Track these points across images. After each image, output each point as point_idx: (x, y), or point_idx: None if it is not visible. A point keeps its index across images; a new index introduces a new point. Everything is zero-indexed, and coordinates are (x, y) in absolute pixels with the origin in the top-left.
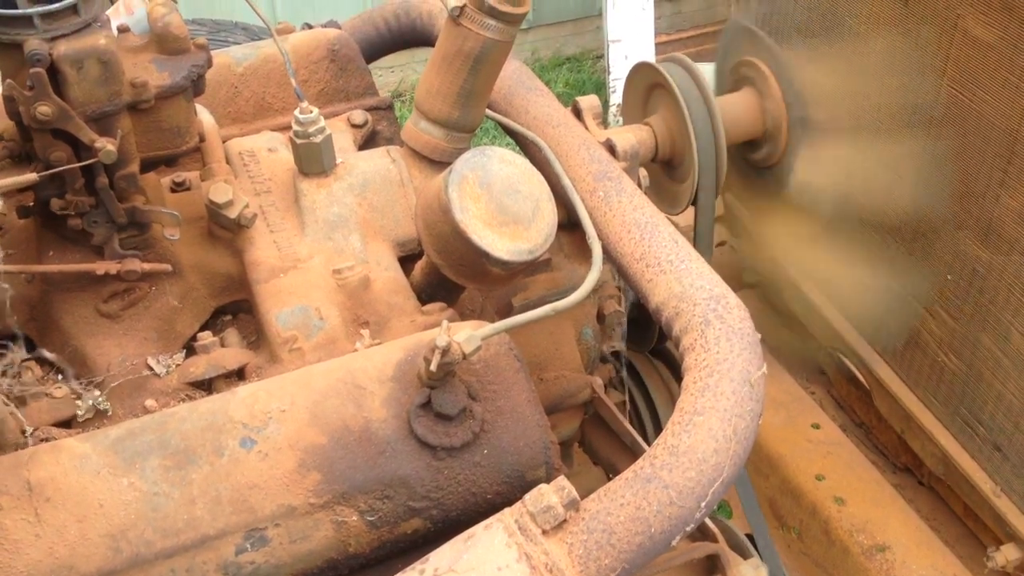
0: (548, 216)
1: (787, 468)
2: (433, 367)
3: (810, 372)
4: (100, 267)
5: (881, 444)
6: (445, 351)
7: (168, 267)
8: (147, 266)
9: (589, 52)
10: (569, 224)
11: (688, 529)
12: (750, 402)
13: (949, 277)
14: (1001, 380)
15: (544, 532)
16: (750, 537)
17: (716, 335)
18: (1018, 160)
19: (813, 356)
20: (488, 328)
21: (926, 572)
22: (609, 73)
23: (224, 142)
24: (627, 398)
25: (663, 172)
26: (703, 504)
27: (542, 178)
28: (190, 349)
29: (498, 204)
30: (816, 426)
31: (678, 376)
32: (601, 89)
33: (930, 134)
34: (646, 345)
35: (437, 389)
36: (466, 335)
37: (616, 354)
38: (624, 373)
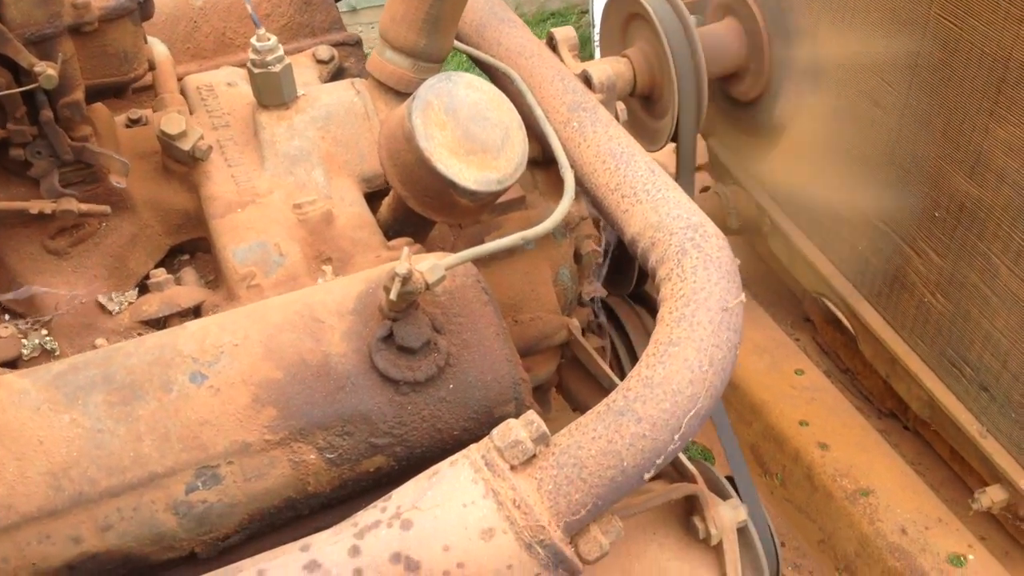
0: (518, 145)
1: (770, 414)
2: (393, 296)
3: (795, 319)
4: (34, 206)
5: (866, 390)
6: (406, 279)
7: (107, 208)
8: (84, 207)
9: (574, 7)
10: (544, 160)
11: (661, 462)
12: (727, 332)
13: (936, 214)
14: (989, 318)
15: (512, 467)
16: (730, 479)
17: (693, 264)
18: (1008, 89)
19: (798, 302)
20: (453, 257)
21: (911, 516)
22: (593, 27)
23: (182, 78)
24: (607, 343)
25: (642, 108)
26: (677, 437)
27: (512, 105)
28: (143, 288)
29: (465, 131)
30: (800, 372)
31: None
32: (586, 44)
33: (917, 64)
34: (625, 288)
35: (399, 321)
36: (430, 264)
37: (595, 299)
38: (603, 318)
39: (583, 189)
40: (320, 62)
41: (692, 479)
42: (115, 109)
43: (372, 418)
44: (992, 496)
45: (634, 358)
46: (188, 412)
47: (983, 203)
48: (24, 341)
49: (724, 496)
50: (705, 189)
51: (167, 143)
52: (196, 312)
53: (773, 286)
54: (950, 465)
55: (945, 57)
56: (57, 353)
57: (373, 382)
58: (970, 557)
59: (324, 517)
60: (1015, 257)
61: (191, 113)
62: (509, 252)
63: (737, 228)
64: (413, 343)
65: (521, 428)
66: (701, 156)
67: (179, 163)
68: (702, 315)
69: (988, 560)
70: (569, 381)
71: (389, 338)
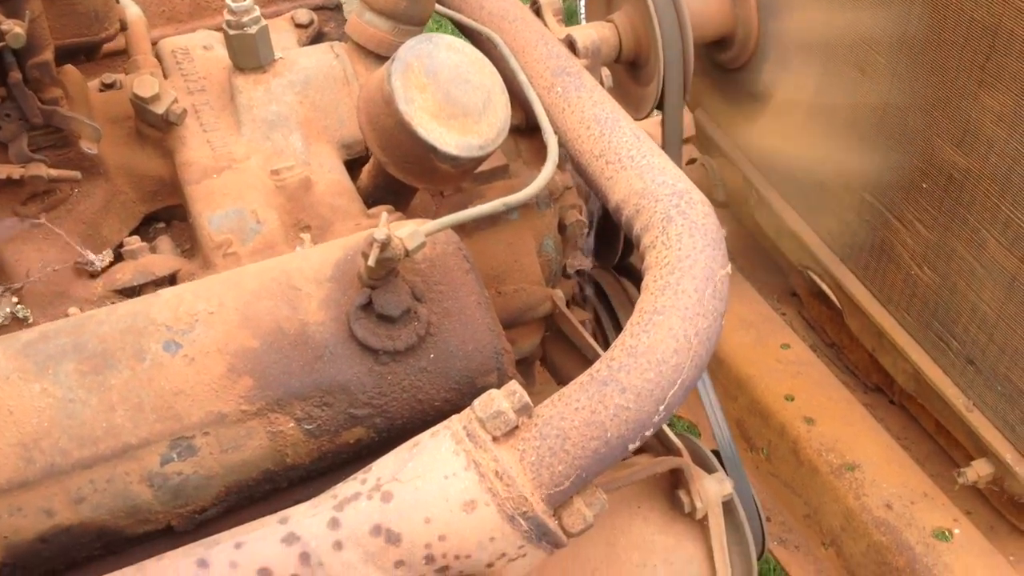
0: (500, 109)
1: (756, 389)
2: (371, 262)
3: (781, 293)
4: (2, 171)
5: (852, 364)
6: (384, 245)
7: (77, 174)
8: (54, 172)
9: None
10: (527, 128)
11: (647, 434)
12: (713, 300)
13: (924, 185)
14: (976, 290)
15: (494, 439)
16: (716, 453)
17: (678, 231)
18: (998, 56)
19: (784, 276)
20: (433, 223)
21: (896, 490)
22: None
23: (156, 42)
24: (592, 316)
25: (627, 74)
26: (662, 408)
27: (494, 69)
28: (117, 256)
29: (446, 94)
30: (786, 346)
31: None
32: (573, 17)
33: (906, 32)
34: (610, 259)
35: (379, 289)
36: (409, 230)
37: (580, 272)
38: (589, 290)
39: (567, 156)
40: (299, 26)
41: (677, 452)
42: (88, 74)
43: (351, 388)
44: (978, 470)
45: (619, 331)
46: (162, 382)
47: (971, 173)
48: None
49: (710, 470)
50: (692, 161)
51: (140, 106)
52: (171, 281)
53: (759, 260)
54: (936, 439)
55: (934, 24)
56: (30, 321)
57: (352, 351)
58: (956, 531)
59: (303, 490)
60: (1002, 228)
61: (165, 77)
62: (492, 222)
63: (723, 200)
64: (393, 311)
65: (503, 399)
66: (688, 128)
67: (153, 128)
68: (687, 283)
69: (974, 534)
70: (553, 354)
71: (368, 306)
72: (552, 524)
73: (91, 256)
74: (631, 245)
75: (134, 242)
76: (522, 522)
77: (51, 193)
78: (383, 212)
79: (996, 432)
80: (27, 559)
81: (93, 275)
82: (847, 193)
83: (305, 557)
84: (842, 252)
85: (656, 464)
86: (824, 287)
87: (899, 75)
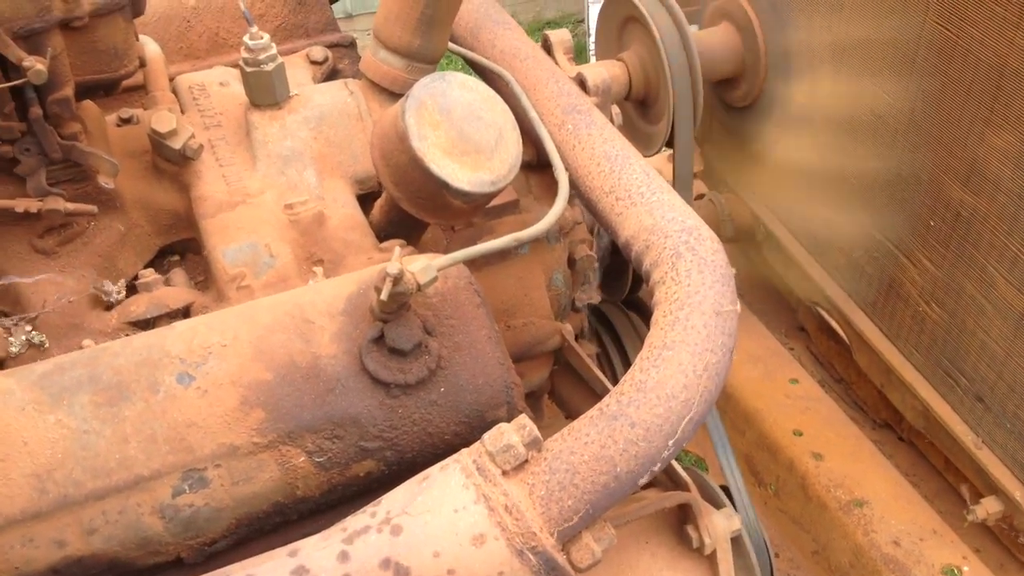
0: (512, 146)
1: (764, 423)
2: (384, 296)
3: (789, 328)
4: (20, 204)
5: (860, 400)
6: (397, 279)
7: (94, 208)
8: (71, 206)
9: (569, 16)
10: (538, 164)
11: (656, 468)
12: (722, 336)
13: (932, 223)
14: (984, 328)
15: (504, 473)
16: (724, 489)
17: (688, 267)
18: (1004, 96)
19: (792, 311)
20: (445, 258)
21: (905, 527)
22: (589, 36)
23: (174, 78)
24: (600, 350)
25: (636, 112)
26: (671, 442)
27: (506, 106)
28: (132, 289)
29: (459, 131)
30: (794, 381)
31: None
32: (582, 53)
33: (913, 72)
34: (618, 294)
35: (390, 323)
36: (422, 265)
37: (589, 306)
38: (596, 325)
39: (577, 192)
40: (314, 63)
41: (685, 487)
42: (106, 108)
43: (362, 421)
44: (987, 507)
45: (628, 365)
46: (175, 413)
47: (978, 212)
48: (11, 339)
49: (718, 505)
50: (700, 196)
51: (157, 141)
52: (185, 313)
53: (767, 295)
54: (945, 476)
55: (941, 64)
56: (46, 346)
57: (363, 384)
58: (965, 569)
59: (313, 523)
60: (1010, 266)
61: (183, 112)
62: (502, 256)
63: (732, 236)
64: (404, 345)
65: (513, 432)
66: (696, 164)
67: (170, 162)
68: (696, 319)
69: (983, 572)
70: (562, 388)
71: (380, 340)
72: (561, 559)
73: (108, 286)
74: (639, 280)
75: (149, 275)
76: (531, 556)
77: (68, 226)
78: (395, 246)
79: (1005, 469)
80: None
81: (108, 307)
82: (855, 231)
83: None
84: (850, 289)
85: (664, 499)
86: (832, 323)
87: (906, 115)
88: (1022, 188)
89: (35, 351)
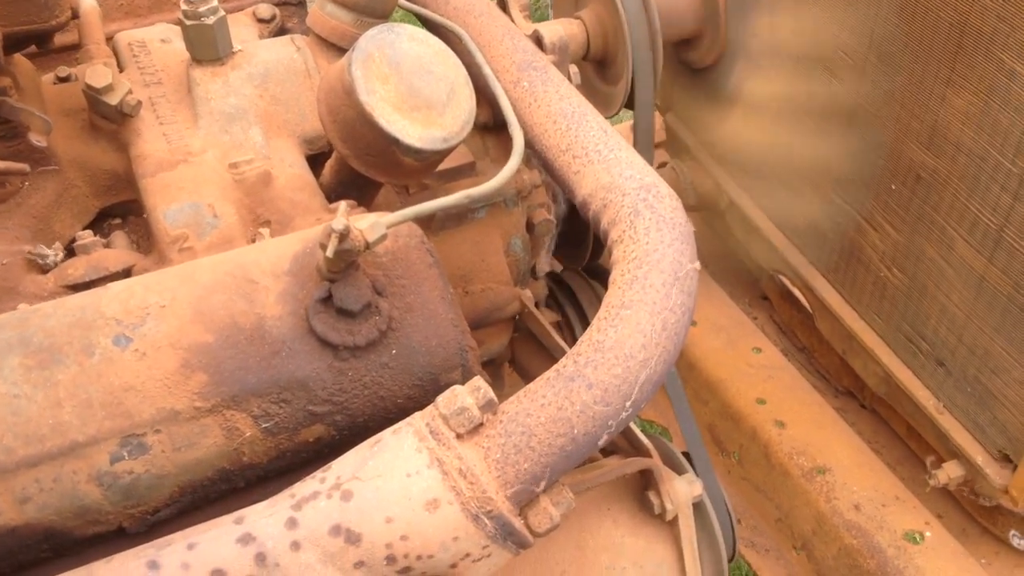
0: (465, 102)
1: (727, 392)
2: (330, 252)
3: (752, 297)
4: None
5: (823, 368)
6: (343, 236)
7: (25, 167)
8: (2, 164)
9: None
10: (495, 126)
11: (613, 429)
12: (681, 295)
13: (893, 186)
14: (945, 292)
15: (458, 436)
16: (686, 455)
17: (646, 225)
18: (965, 56)
19: (755, 281)
20: (394, 215)
21: (867, 493)
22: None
23: (113, 36)
24: (563, 319)
25: (595, 72)
26: (629, 403)
27: (458, 61)
28: (70, 252)
29: (408, 86)
30: (757, 350)
31: None
32: (540, 12)
33: (874, 32)
34: (579, 261)
35: (338, 283)
36: (370, 221)
37: (549, 274)
38: (558, 294)
39: (533, 150)
40: (261, 21)
41: (647, 453)
42: (43, 68)
43: (310, 385)
44: (949, 472)
45: None
46: (111, 377)
47: (939, 174)
48: None
49: (680, 471)
50: (662, 165)
51: (93, 97)
52: (126, 276)
53: (730, 264)
54: (907, 443)
55: (902, 24)
56: None
57: (311, 347)
58: (927, 534)
59: (261, 491)
60: (970, 228)
61: (121, 71)
62: (458, 221)
63: (694, 204)
64: (353, 305)
65: (467, 395)
66: (658, 133)
67: (107, 120)
68: (655, 278)
69: (945, 537)
70: (522, 356)
71: (327, 300)
72: (518, 524)
73: (44, 249)
74: (600, 246)
75: (86, 236)
76: (487, 521)
77: (0, 186)
78: (342, 203)
79: (967, 434)
80: None
81: (44, 270)
82: (816, 195)
83: (261, 558)
84: (812, 255)
85: (625, 465)
86: (794, 290)
87: (867, 76)
88: (983, 149)
89: None
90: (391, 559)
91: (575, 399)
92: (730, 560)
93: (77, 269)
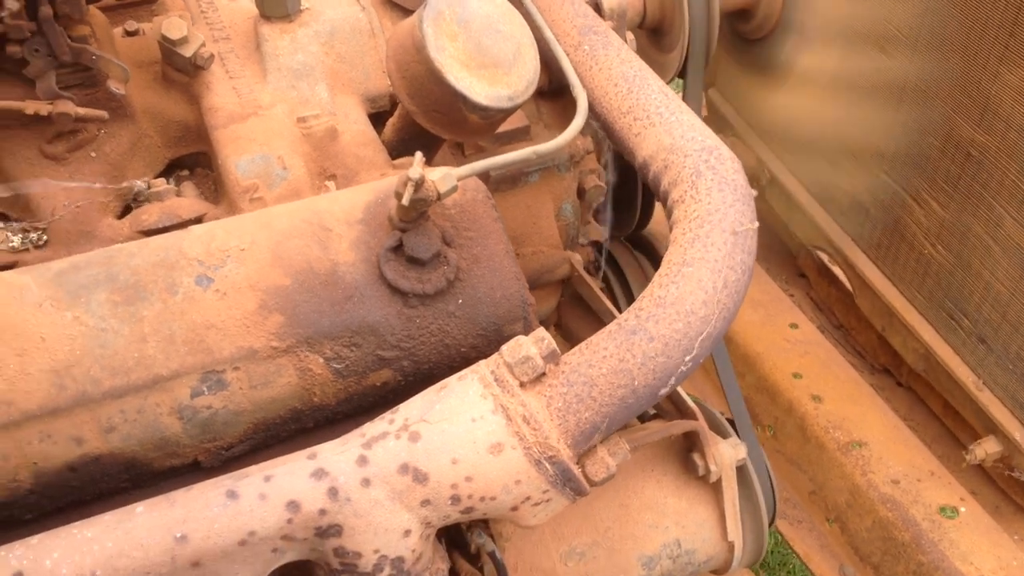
0: (530, 62)
1: (763, 366)
2: (405, 200)
3: (789, 274)
4: (29, 106)
5: (859, 345)
6: (419, 185)
7: (104, 114)
8: (81, 111)
9: None
10: (550, 91)
11: (673, 382)
12: (741, 254)
13: (941, 163)
14: (990, 269)
15: (522, 384)
16: (730, 421)
17: (708, 186)
18: (1020, 32)
19: (793, 258)
20: (465, 168)
21: (903, 468)
22: None
23: None
24: (606, 290)
25: (650, 41)
26: (688, 358)
27: (524, 21)
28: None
29: (477, 44)
30: (794, 326)
31: (657, 265)
32: None
33: (929, 6)
34: (625, 229)
35: (409, 232)
36: (442, 173)
37: (596, 243)
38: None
39: (594, 113)
40: None
41: (692, 416)
42: (111, 23)
43: (380, 330)
44: (986, 448)
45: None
46: (194, 315)
47: (989, 150)
48: (11, 236)
49: (724, 435)
50: None
51: (168, 49)
52: (197, 223)
53: (769, 241)
54: (943, 421)
55: (957, 1)
56: (45, 239)
57: (382, 293)
58: (962, 509)
59: (329, 432)
60: (1019, 205)
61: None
62: (511, 183)
63: None
64: (423, 254)
65: (531, 345)
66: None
67: (180, 72)
68: (716, 236)
69: (979, 513)
70: (569, 320)
71: (399, 248)
72: (577, 471)
73: (137, 182)
74: (645, 218)
75: (160, 183)
76: (548, 467)
77: (77, 132)
78: (417, 154)
79: (1006, 411)
80: (54, 488)
81: (119, 215)
82: (862, 171)
83: (333, 492)
84: (854, 232)
85: (671, 427)
86: (833, 268)
87: (919, 52)
88: None
89: (38, 252)
90: (455, 499)
91: (636, 351)
92: (771, 524)
93: (151, 215)
